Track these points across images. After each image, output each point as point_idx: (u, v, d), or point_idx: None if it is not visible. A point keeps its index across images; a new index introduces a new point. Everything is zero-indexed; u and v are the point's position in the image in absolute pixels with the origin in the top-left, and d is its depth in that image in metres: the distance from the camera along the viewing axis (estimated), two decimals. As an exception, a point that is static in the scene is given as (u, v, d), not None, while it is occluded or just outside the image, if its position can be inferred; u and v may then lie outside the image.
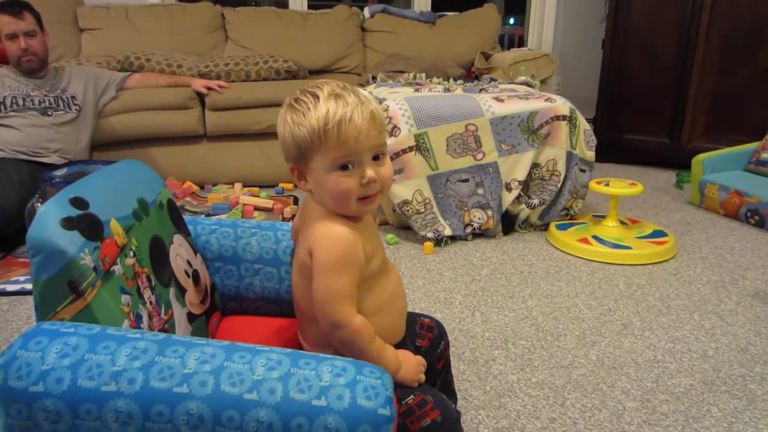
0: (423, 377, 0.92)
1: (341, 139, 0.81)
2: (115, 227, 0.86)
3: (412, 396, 0.88)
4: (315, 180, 0.86)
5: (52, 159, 2.54)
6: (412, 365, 0.91)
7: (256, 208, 2.72)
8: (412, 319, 1.08)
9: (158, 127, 3.02)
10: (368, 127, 0.82)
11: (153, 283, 0.92)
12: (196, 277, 1.07)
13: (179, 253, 1.03)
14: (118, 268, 0.84)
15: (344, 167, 0.83)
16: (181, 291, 1.01)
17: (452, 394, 1.19)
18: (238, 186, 3.09)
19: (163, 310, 0.93)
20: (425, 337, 1.07)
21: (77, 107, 2.73)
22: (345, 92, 0.84)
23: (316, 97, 0.83)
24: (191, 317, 1.02)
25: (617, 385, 1.43)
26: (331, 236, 0.84)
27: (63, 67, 2.93)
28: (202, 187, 3.13)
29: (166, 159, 3.11)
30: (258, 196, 2.91)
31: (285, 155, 0.88)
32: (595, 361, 1.53)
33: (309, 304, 0.87)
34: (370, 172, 0.83)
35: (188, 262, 1.05)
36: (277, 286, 1.16)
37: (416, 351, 1.01)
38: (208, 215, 2.66)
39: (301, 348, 0.95)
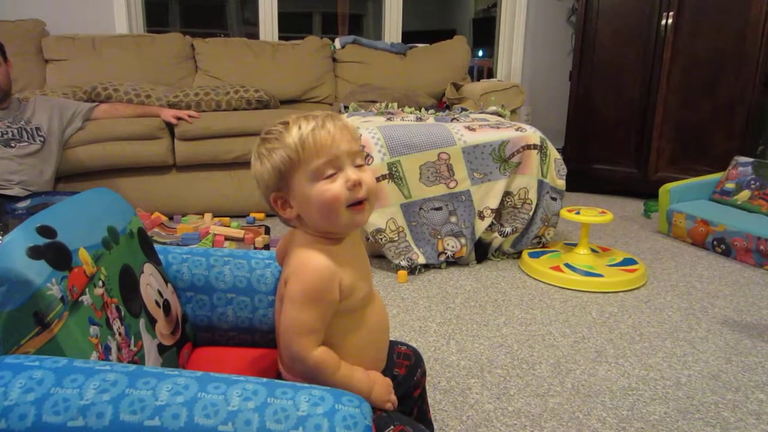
0: (394, 398, 0.92)
1: (318, 145, 0.83)
2: (83, 256, 0.84)
3: (392, 426, 0.87)
4: (300, 200, 0.85)
5: (15, 191, 2.48)
6: (383, 386, 0.91)
7: (227, 239, 2.68)
8: (390, 347, 1.07)
9: (126, 157, 2.98)
10: (342, 133, 0.84)
11: (122, 313, 0.90)
12: (167, 307, 1.05)
13: (150, 283, 1.01)
14: (86, 299, 0.82)
15: (327, 176, 0.83)
16: (152, 322, 0.99)
17: (429, 424, 1.18)
18: (208, 216, 3.05)
19: (132, 341, 0.91)
20: (402, 365, 1.06)
21: (41, 138, 2.68)
22: (311, 114, 0.87)
23: (285, 123, 0.86)
24: (162, 349, 1.00)
25: (593, 413, 1.43)
26: (306, 267, 0.83)
27: (27, 97, 2.89)
28: (171, 218, 3.08)
29: (133, 189, 3.06)
30: (229, 227, 2.88)
31: (264, 189, 0.88)
32: (571, 389, 1.54)
33: None
34: (352, 174, 0.84)
35: (159, 292, 1.03)
36: (251, 315, 1.14)
37: (393, 380, 1.00)
38: (177, 246, 2.62)
39: (279, 378, 0.93)
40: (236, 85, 3.34)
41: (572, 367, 1.65)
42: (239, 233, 2.71)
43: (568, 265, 2.33)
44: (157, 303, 1.02)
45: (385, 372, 0.99)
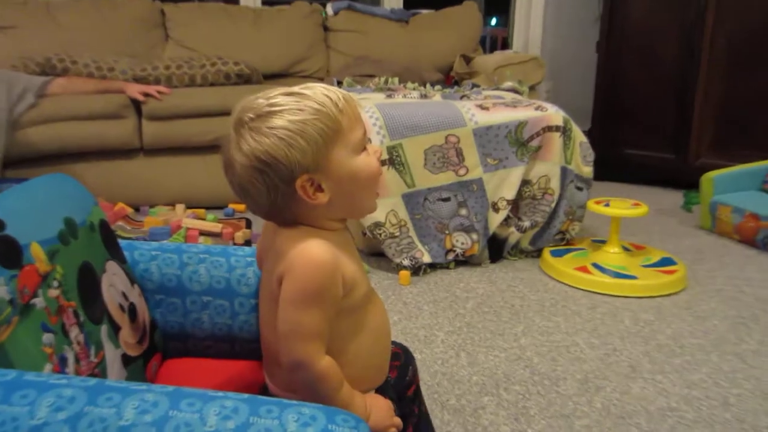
0: (398, 420, 0.92)
1: (355, 111, 0.85)
2: (36, 252, 0.83)
3: None
4: (340, 178, 0.84)
5: (-43, 177, 2.47)
6: (383, 409, 0.91)
7: (202, 233, 2.68)
8: None
9: (86, 139, 2.97)
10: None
11: (81, 319, 0.89)
12: (132, 312, 1.04)
13: (113, 284, 1.00)
14: (39, 301, 0.81)
15: (363, 148, 0.86)
16: (115, 329, 0.98)
17: (428, 424, 1.19)
18: (180, 207, 3.04)
19: (93, 351, 0.90)
20: (393, 367, 1.06)
21: (-13, 116, 2.67)
22: (309, 84, 0.86)
23: (292, 93, 0.82)
24: (126, 360, 0.99)
25: (627, 435, 1.42)
26: (308, 262, 0.82)
27: (-29, 70, 2.87)
28: (137, 210, 3.08)
29: (94, 177, 3.05)
30: (204, 219, 2.87)
31: (282, 176, 0.81)
32: (600, 409, 1.53)
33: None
34: (374, 145, 0.89)
35: (123, 295, 1.03)
36: (230, 321, 1.13)
37: (386, 383, 1.01)
38: (145, 241, 2.61)
39: (264, 394, 0.92)
40: (213, 56, 3.33)
41: (602, 384, 1.64)
42: (216, 227, 2.71)
43: (596, 266, 2.32)
44: (121, 307, 1.01)
45: (387, 384, 0.99)
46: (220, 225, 2.74)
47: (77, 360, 0.85)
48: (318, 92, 0.82)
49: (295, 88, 0.83)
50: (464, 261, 2.48)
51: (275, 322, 0.86)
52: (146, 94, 3.03)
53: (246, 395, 0.69)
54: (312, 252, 0.82)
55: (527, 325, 1.98)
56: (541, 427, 1.45)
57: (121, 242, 1.11)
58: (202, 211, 3.03)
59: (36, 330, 0.79)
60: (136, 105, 3.07)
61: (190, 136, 3.08)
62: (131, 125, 3.04)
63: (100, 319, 0.94)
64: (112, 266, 1.02)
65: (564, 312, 2.07)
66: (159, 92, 3.04)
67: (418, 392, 1.14)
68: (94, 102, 2.98)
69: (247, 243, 2.63)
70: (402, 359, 1.09)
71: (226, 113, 3.32)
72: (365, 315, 0.91)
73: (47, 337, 0.80)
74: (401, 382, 1.07)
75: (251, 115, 0.81)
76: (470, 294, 2.21)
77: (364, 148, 0.86)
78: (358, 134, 0.84)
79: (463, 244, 2.43)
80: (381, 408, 0.90)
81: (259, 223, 2.92)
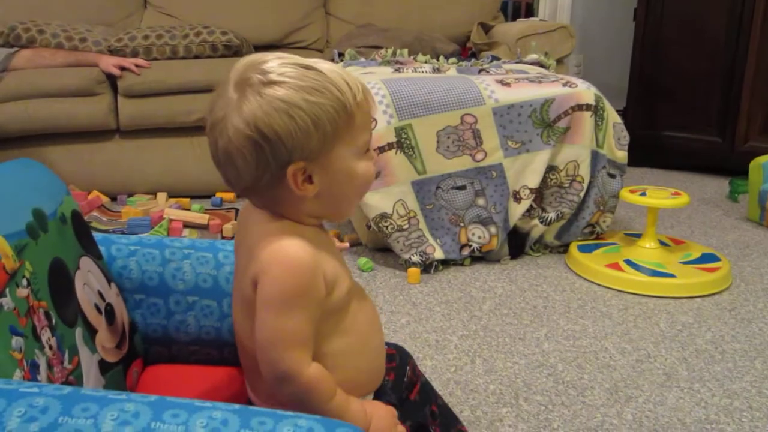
0: (402, 429, 0.93)
1: (370, 110, 0.86)
2: (3, 248, 0.84)
3: None
4: (335, 176, 0.85)
5: None
6: (384, 417, 0.91)
7: (186, 225, 2.70)
8: None
9: (55, 119, 3.00)
10: None
11: (53, 321, 0.90)
12: (109, 313, 1.05)
13: (88, 282, 1.02)
14: (6, 302, 0.82)
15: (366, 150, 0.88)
16: (91, 332, 0.99)
17: (454, 419, 1.20)
18: (161, 196, 3.06)
19: (66, 356, 0.91)
20: (388, 369, 1.06)
21: (-54, 92, 2.69)
22: (312, 59, 0.85)
23: (306, 66, 0.81)
24: (104, 366, 1.01)
25: (661, 452, 1.44)
26: (285, 260, 0.82)
27: (-73, 40, 2.90)
28: (114, 199, 3.10)
29: (65, 162, 3.08)
30: (188, 210, 2.90)
31: (287, 156, 0.81)
32: (632, 421, 1.54)
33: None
34: (371, 151, 0.90)
35: (100, 294, 1.04)
36: (218, 324, 1.15)
37: (383, 389, 1.02)
38: (123, 235, 2.64)
39: (250, 404, 0.94)
40: (197, 25, 3.34)
41: (633, 394, 1.65)
42: (202, 218, 2.73)
43: (629, 262, 2.34)
44: (97, 308, 1.02)
45: (385, 389, 1.00)
46: (207, 216, 2.76)
47: (50, 366, 0.86)
48: (337, 76, 0.81)
49: (311, 62, 0.82)
50: (481, 257, 2.49)
51: (249, 328, 0.86)
52: (122, 68, 3.04)
53: (236, 406, 0.70)
54: (289, 251, 0.82)
55: (551, 328, 1.99)
56: (564, 442, 1.47)
57: (96, 236, 1.13)
58: (187, 200, 3.05)
59: (4, 333, 0.79)
60: (112, 80, 3.09)
61: (173, 115, 3.09)
62: (106, 103, 3.06)
63: (74, 322, 0.95)
64: (86, 263, 1.03)
65: (592, 314, 2.08)
66: (137, 65, 3.05)
67: (426, 390, 1.14)
68: (65, 77, 3.00)
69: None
70: (397, 360, 1.09)
71: (212, 89, 3.35)
72: (350, 314, 0.92)
73: (16, 341, 0.81)
74: (400, 384, 1.07)
75: (261, 78, 0.79)
76: (487, 294, 2.22)
77: (368, 151, 0.87)
78: (367, 135, 0.86)
79: (479, 238, 2.45)
80: (382, 416, 0.90)
81: (250, 214, 2.94)
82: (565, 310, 2.11)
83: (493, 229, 2.45)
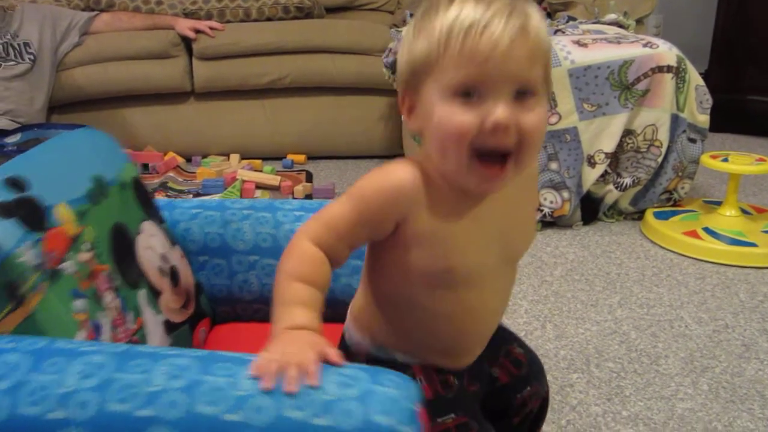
0: (312, 369, 0.69)
1: (465, 51, 0.72)
2: (64, 213, 0.87)
3: (452, 416, 0.86)
4: (425, 115, 0.78)
5: (2, 123, 2.58)
6: (307, 342, 0.72)
7: (258, 187, 2.73)
8: (503, 338, 1.02)
9: (133, 81, 3.06)
10: (511, 45, 0.72)
11: (116, 283, 0.93)
12: (174, 275, 1.08)
13: (150, 246, 1.04)
14: (69, 266, 0.85)
15: (466, 95, 0.74)
16: (155, 294, 1.02)
17: None
18: (234, 158, 3.11)
19: (131, 317, 0.94)
20: (507, 370, 1.01)
21: (31, 57, 2.77)
22: None
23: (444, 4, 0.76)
24: (169, 327, 1.04)
25: (737, 423, 1.41)
26: (383, 169, 0.81)
27: (12, 5, 2.98)
28: (189, 160, 3.15)
29: (143, 123, 3.15)
30: (260, 171, 2.93)
31: (398, 78, 0.83)
32: (707, 391, 1.52)
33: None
34: (500, 111, 0.72)
35: (163, 257, 1.07)
36: None
37: (491, 382, 0.97)
38: (198, 195, 2.69)
39: (345, 351, 0.94)
40: (270, -14, 3.34)
41: (710, 364, 1.62)
42: (274, 180, 2.76)
43: (708, 230, 2.27)
44: (161, 270, 1.05)
45: (479, 364, 0.94)
46: (279, 178, 2.78)
47: (114, 327, 0.89)
48: (456, 9, 0.74)
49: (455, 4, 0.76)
50: (552, 222, 2.46)
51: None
52: (197, 31, 3.08)
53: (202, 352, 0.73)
54: (392, 166, 0.80)
55: (624, 295, 1.96)
56: (637, 410, 1.44)
57: (159, 201, 1.16)
58: (259, 162, 3.08)
59: (67, 296, 0.83)
60: (187, 43, 3.13)
61: (246, 77, 3.12)
62: (181, 65, 3.11)
63: (138, 284, 0.98)
64: (148, 227, 1.06)
65: (668, 282, 2.04)
66: (211, 28, 3.08)
67: (532, 423, 1.05)
68: (142, 40, 3.06)
69: (308, 197, 2.66)
70: (523, 370, 1.01)
71: (284, 52, 3.34)
72: (459, 296, 0.85)
73: (79, 304, 0.84)
74: (508, 398, 1.00)
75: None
76: (559, 259, 2.20)
77: (466, 96, 0.74)
78: (451, 75, 0.74)
79: (552, 203, 2.41)
80: (306, 339, 0.73)
81: (320, 177, 2.96)
82: (640, 278, 2.07)
83: (565, 194, 2.40)
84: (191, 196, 2.69)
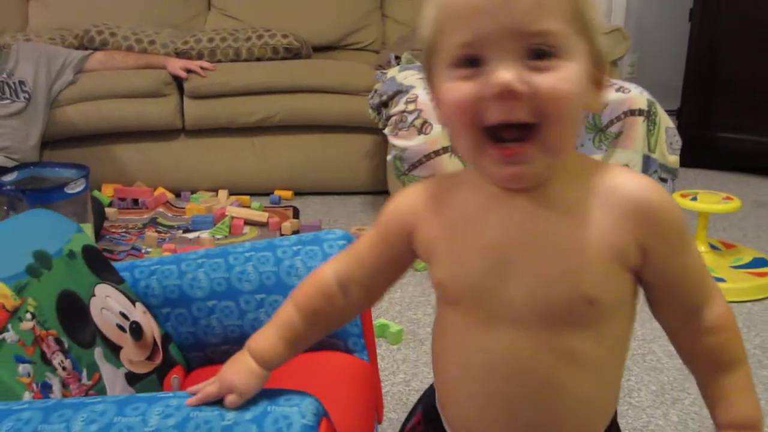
0: (232, 399, 0.77)
1: (455, 11, 0.63)
2: (1, 289, 0.95)
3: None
4: (438, 100, 0.70)
5: (-2, 161, 2.61)
6: (232, 371, 0.79)
7: (247, 223, 2.78)
8: None
9: (125, 119, 3.11)
10: None
11: (66, 345, 1.00)
12: (136, 330, 1.14)
13: (106, 306, 1.11)
14: (9, 335, 0.92)
15: (468, 64, 0.63)
16: (113, 349, 1.09)
17: None
18: (223, 194, 3.14)
19: (85, 374, 1.01)
20: None
21: (26, 95, 2.81)
22: None
23: None
24: (132, 378, 1.10)
25: (705, 454, 1.45)
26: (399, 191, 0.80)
27: (8, 45, 3.02)
28: (178, 195, 3.18)
29: (134, 159, 3.19)
30: (248, 207, 2.97)
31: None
32: (677, 422, 1.56)
33: None
34: (503, 73, 0.60)
35: (122, 315, 1.13)
36: (239, 322, 1.22)
37: None
38: (187, 231, 2.73)
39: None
40: (259, 28, 3.38)
41: (680, 396, 1.67)
42: (262, 216, 2.79)
43: (679, 266, 2.33)
44: (120, 327, 1.12)
45: None
46: (266, 214, 2.82)
47: (65, 385, 0.96)
48: None
49: None
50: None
51: None
52: (189, 70, 3.12)
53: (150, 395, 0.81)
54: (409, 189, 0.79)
55: (599, 330, 2.00)
56: (610, 442, 1.50)
57: (120, 263, 1.24)
58: (247, 198, 3.11)
59: (9, 362, 0.90)
60: (178, 82, 3.17)
61: (236, 115, 3.16)
62: (172, 104, 3.15)
63: (92, 342, 1.05)
64: (102, 289, 1.13)
65: (640, 317, 2.03)
66: (202, 68, 3.12)
67: None
68: (135, 79, 3.11)
69: (295, 233, 2.71)
70: None
71: (273, 91, 3.38)
72: (461, 323, 0.74)
73: (23, 368, 0.91)
74: None
75: None
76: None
77: (465, 67, 0.63)
78: (448, 43, 0.64)
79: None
80: (232, 369, 0.79)
81: (307, 213, 2.99)
82: (614, 312, 2.11)
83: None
84: (181, 231, 2.73)
